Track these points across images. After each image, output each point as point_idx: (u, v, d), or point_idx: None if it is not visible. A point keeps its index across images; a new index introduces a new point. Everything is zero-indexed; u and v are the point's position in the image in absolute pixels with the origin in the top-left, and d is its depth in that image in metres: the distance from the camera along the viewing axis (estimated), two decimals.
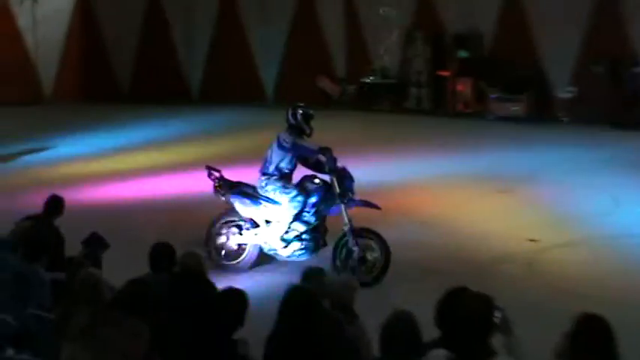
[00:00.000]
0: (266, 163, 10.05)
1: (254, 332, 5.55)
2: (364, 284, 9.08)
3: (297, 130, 10.02)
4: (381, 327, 4.87)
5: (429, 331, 5.03)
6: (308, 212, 9.87)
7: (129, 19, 25.88)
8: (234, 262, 10.12)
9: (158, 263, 6.63)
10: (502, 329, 4.61)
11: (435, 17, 23.23)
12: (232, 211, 10.12)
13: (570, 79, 21.63)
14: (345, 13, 24.17)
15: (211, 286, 6.22)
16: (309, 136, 10.10)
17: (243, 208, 9.98)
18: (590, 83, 20.97)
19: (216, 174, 10.18)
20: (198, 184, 14.78)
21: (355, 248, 9.62)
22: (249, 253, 10.09)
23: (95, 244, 7.56)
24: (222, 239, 10.11)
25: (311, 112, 10.17)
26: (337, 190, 9.70)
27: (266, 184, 9.94)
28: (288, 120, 10.12)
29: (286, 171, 10.04)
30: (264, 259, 10.31)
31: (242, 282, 8.59)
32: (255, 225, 10.01)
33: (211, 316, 5.10)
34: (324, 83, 23.93)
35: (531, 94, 21.73)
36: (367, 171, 13.37)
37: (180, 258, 6.58)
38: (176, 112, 22.56)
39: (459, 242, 11.04)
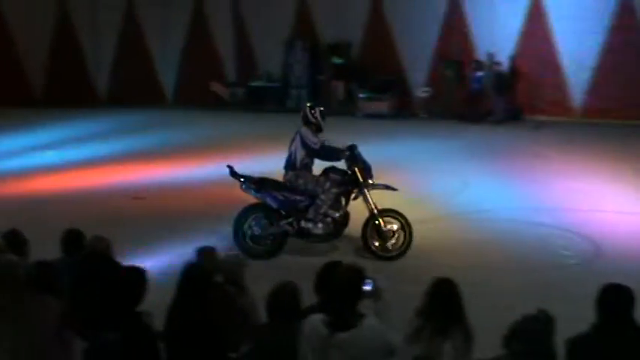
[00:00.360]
0: (291, 159, 9.70)
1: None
2: (391, 258, 9.51)
3: (314, 126, 9.75)
4: (267, 295, 4.86)
5: None
6: (338, 200, 9.69)
7: (40, 28, 24.97)
8: (263, 250, 9.69)
9: (69, 247, 6.44)
10: (373, 296, 4.65)
11: (312, 28, 23.35)
12: (259, 204, 9.71)
13: (426, 81, 22.11)
14: (234, 25, 24.00)
15: (117, 266, 6.08)
16: (322, 130, 9.81)
17: (275, 202, 9.59)
18: (442, 84, 21.50)
19: (237, 172, 9.79)
20: (102, 178, 14.59)
21: (384, 228, 9.56)
22: (277, 242, 9.72)
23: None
24: (254, 231, 9.64)
25: (323, 108, 9.96)
26: (361, 179, 9.59)
27: (296, 179, 9.63)
28: (306, 117, 9.77)
29: (310, 165, 9.82)
30: None
31: (151, 262, 8.48)
32: (286, 216, 9.64)
33: (116, 290, 4.99)
34: (217, 87, 23.73)
35: (394, 94, 22.09)
36: (252, 163, 13.32)
37: (89, 241, 6.41)
38: (85, 113, 21.95)
39: None
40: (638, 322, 4.64)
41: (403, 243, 9.64)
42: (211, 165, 14.04)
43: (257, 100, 23.14)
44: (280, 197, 9.54)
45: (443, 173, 14.52)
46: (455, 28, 21.79)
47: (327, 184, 9.54)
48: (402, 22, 22.18)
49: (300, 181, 9.61)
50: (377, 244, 9.63)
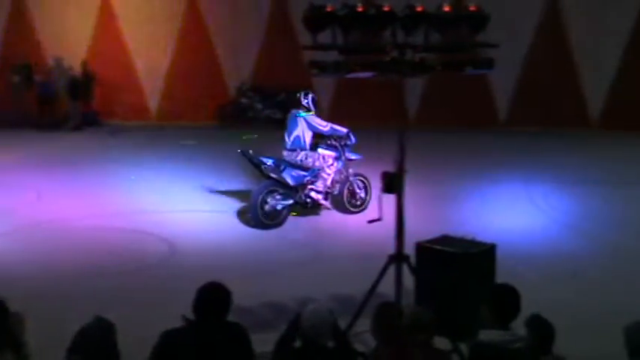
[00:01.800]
0: (298, 140, 11.45)
1: None
2: (359, 211, 11.88)
3: (304, 108, 11.50)
4: None
5: None
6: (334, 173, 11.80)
7: None
8: (275, 221, 11.20)
9: None
10: None
11: None
12: (270, 181, 11.18)
13: None
14: None
15: None
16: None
17: (293, 179, 11.23)
18: (10, 90, 20.66)
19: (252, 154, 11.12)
20: None
21: (358, 190, 11.98)
22: (285, 213, 11.32)
23: None
24: (270, 205, 11.16)
25: (314, 95, 11.76)
26: (344, 155, 11.75)
27: (306, 157, 11.47)
28: (299, 102, 11.51)
29: (312, 143, 11.60)
30: None
31: None
32: (294, 189, 11.30)
33: None
34: None
35: None
36: None
37: None
38: None
39: None
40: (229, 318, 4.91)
41: (365, 198, 12.04)
42: None
43: None
44: (295, 175, 11.32)
45: (13, 186, 13.87)
46: (21, 31, 21.10)
47: (330, 161, 11.60)
48: None
49: (310, 160, 11.52)
50: (352, 201, 11.95)
